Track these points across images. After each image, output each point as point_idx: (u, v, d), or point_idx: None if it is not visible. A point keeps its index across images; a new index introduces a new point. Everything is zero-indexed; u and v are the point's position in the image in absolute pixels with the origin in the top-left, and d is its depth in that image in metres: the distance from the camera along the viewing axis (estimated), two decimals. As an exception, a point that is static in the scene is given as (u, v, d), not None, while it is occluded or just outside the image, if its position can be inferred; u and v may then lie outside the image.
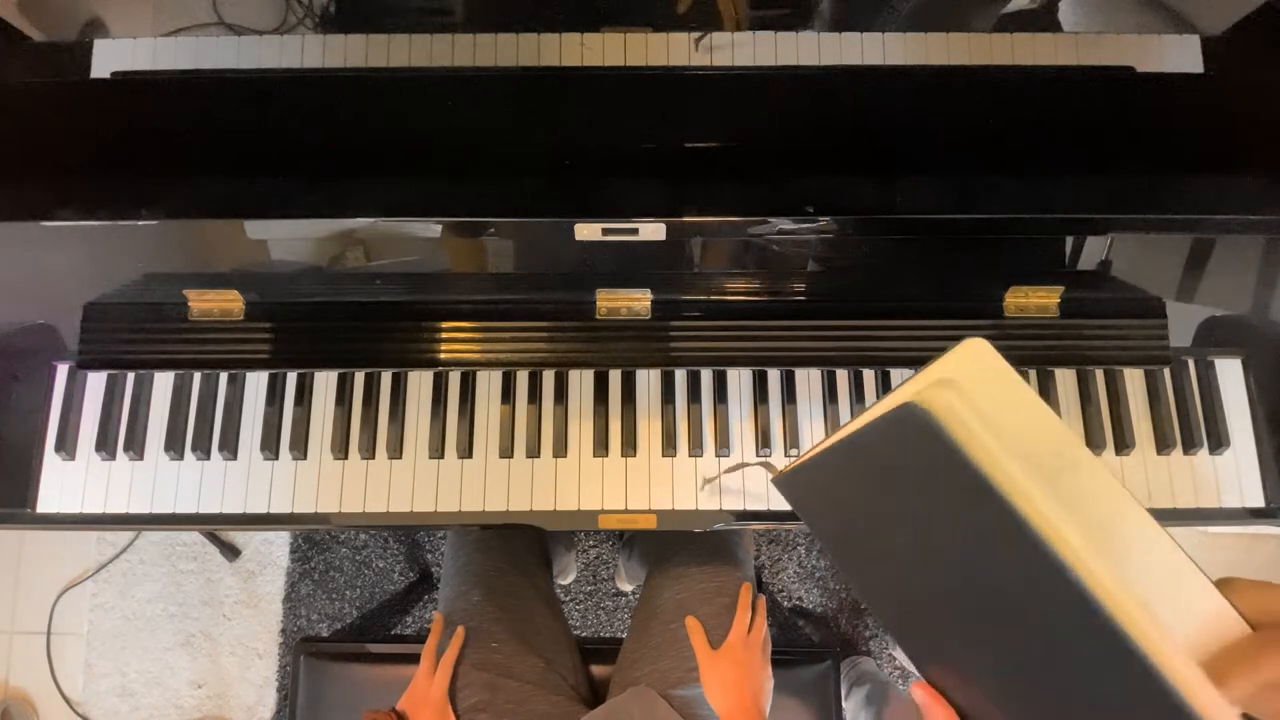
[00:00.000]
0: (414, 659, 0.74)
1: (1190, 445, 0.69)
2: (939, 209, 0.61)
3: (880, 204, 0.61)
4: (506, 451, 0.70)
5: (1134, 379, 0.71)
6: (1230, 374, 0.71)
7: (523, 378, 0.71)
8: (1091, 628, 0.34)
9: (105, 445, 0.70)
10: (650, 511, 0.69)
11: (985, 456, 0.35)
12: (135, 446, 0.70)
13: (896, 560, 0.43)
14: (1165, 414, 0.70)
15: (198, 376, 0.72)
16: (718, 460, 0.70)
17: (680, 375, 0.71)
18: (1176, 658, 0.33)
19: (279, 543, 1.44)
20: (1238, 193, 0.61)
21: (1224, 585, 0.35)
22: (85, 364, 0.70)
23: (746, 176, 0.62)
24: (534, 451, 0.70)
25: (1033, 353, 0.69)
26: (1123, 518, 0.38)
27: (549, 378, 0.71)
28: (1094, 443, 0.69)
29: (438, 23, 0.71)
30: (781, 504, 0.67)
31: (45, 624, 1.43)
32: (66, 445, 0.70)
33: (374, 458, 0.70)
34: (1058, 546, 0.34)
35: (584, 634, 1.38)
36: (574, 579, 1.39)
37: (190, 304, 0.69)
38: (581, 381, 0.72)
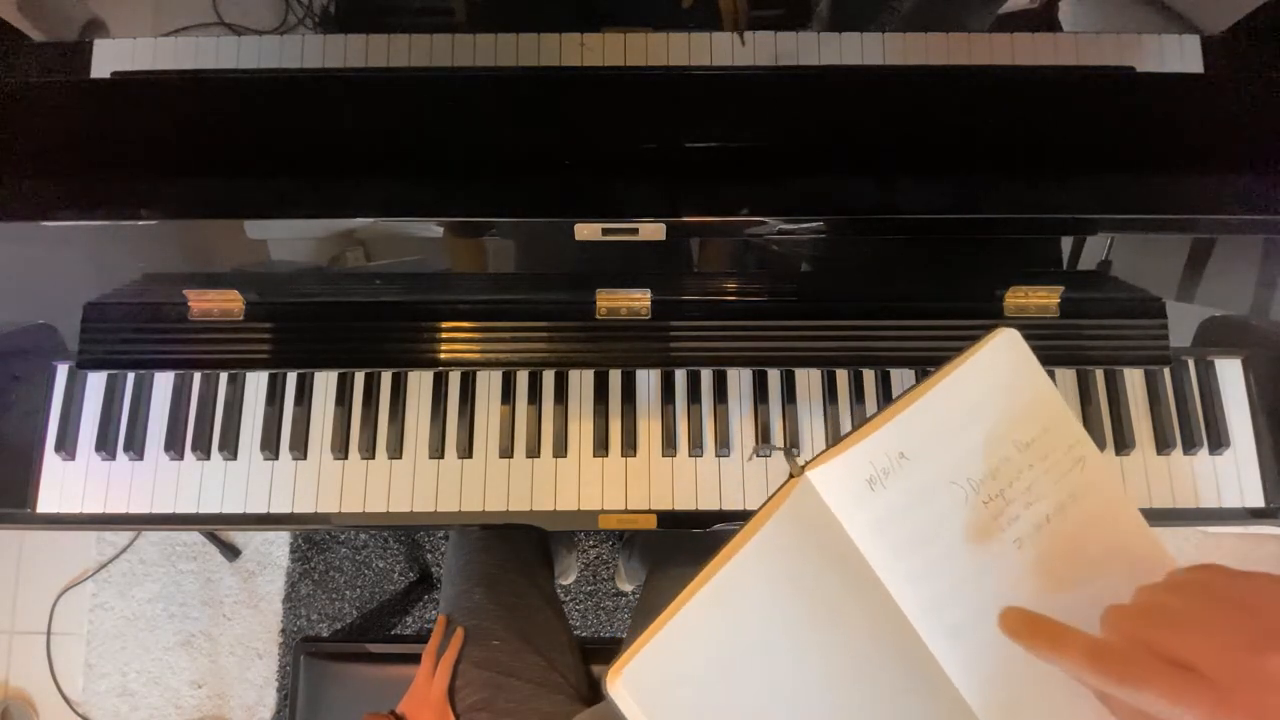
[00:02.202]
0: (414, 659, 0.74)
1: (1190, 445, 0.69)
2: (939, 209, 0.61)
3: (880, 204, 0.61)
4: (506, 451, 0.70)
5: (1134, 379, 0.71)
6: (1230, 374, 0.71)
7: (523, 378, 0.71)
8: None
9: (105, 445, 0.70)
10: (650, 511, 0.69)
11: None
12: (135, 446, 0.70)
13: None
14: (1165, 414, 0.70)
15: (198, 376, 0.72)
16: (718, 460, 0.70)
17: (680, 375, 0.71)
18: None
19: (279, 543, 1.44)
20: (1238, 193, 0.61)
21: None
22: (85, 364, 0.70)
23: (746, 176, 0.62)
24: (534, 451, 0.70)
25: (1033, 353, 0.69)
26: (1114, 510, 0.40)
27: (549, 378, 0.71)
28: (1094, 443, 0.69)
29: (438, 23, 0.71)
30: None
31: (45, 624, 1.43)
32: (66, 445, 0.70)
33: (374, 458, 0.70)
34: None
35: (584, 634, 1.38)
36: (575, 579, 1.39)
37: (190, 304, 0.69)
38: (581, 381, 0.72)
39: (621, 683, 0.38)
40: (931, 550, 0.38)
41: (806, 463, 0.38)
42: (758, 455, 0.70)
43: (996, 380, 0.40)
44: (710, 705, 0.38)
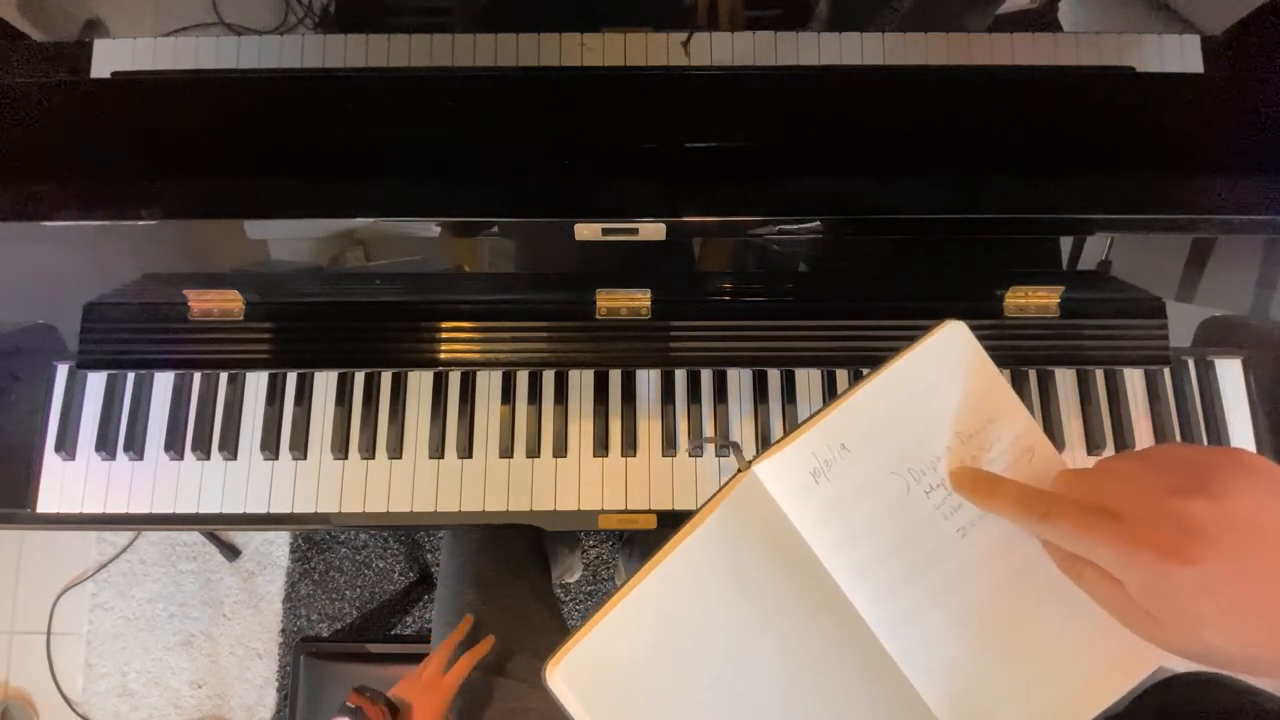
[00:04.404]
0: (414, 659, 0.74)
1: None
2: (939, 209, 0.61)
3: (880, 204, 0.61)
4: (506, 451, 0.70)
5: (1134, 379, 0.71)
6: (1230, 374, 0.71)
7: (523, 378, 0.71)
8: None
9: (105, 445, 0.70)
10: (650, 511, 0.69)
11: None
12: (135, 446, 0.70)
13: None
14: (1165, 414, 0.70)
15: (198, 376, 0.72)
16: (718, 460, 0.70)
17: (680, 375, 0.71)
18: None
19: (279, 543, 1.44)
20: (1237, 193, 0.61)
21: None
22: (85, 364, 0.70)
23: (746, 176, 0.62)
24: (534, 451, 0.70)
25: (1033, 353, 0.69)
26: None
27: (549, 378, 0.71)
28: (1094, 443, 0.69)
29: (438, 23, 0.71)
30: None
31: (45, 624, 1.43)
32: (66, 445, 0.70)
33: (374, 458, 0.70)
34: None
35: (584, 634, 1.38)
36: (579, 577, 1.39)
37: (190, 304, 0.69)
38: (581, 381, 0.72)
39: (559, 675, 0.38)
40: (877, 541, 0.39)
41: (754, 457, 0.39)
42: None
43: (940, 371, 0.40)
44: (651, 697, 0.38)
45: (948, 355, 0.40)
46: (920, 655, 0.38)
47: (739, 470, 0.39)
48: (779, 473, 0.38)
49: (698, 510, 0.39)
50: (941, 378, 0.40)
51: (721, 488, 0.39)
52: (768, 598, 0.39)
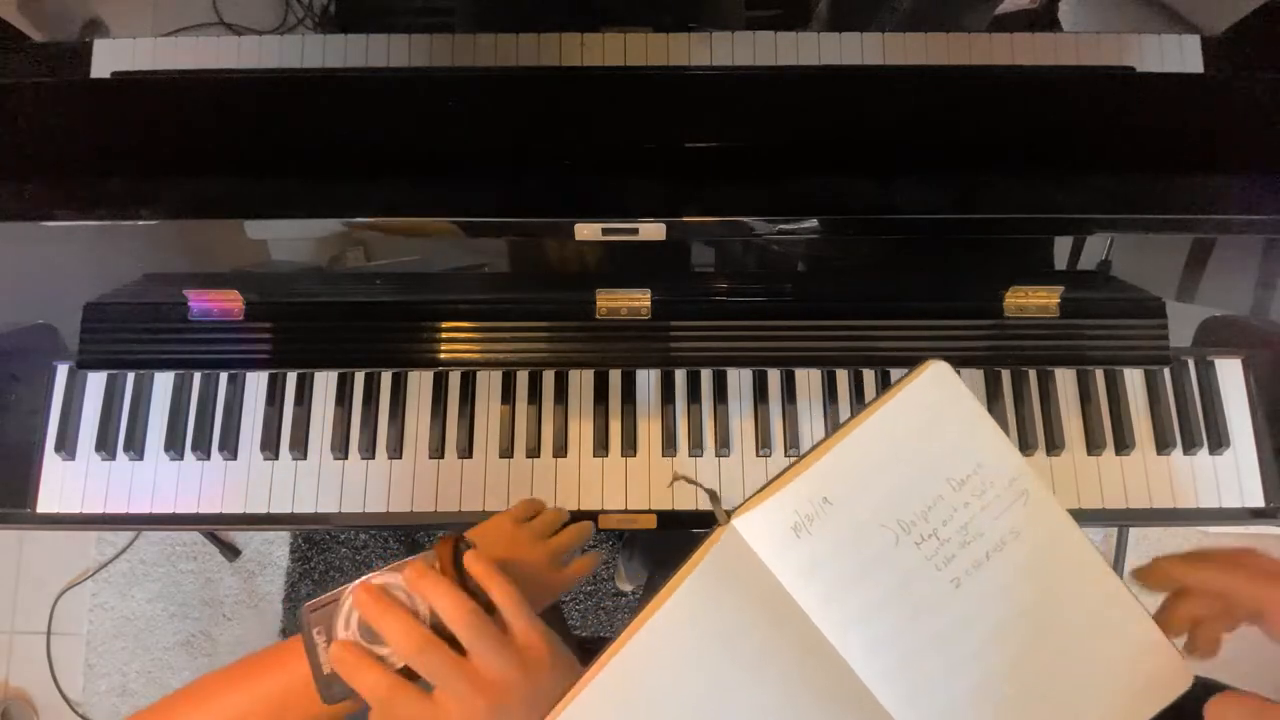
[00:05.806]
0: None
1: (1190, 445, 0.69)
2: (939, 209, 0.61)
3: (880, 204, 0.61)
4: (506, 451, 0.70)
5: (1134, 379, 0.71)
6: (1230, 374, 0.71)
7: (523, 378, 0.71)
8: None
9: (105, 445, 0.70)
10: (650, 511, 0.69)
11: None
12: (135, 446, 0.70)
13: None
14: (1165, 414, 0.70)
15: (198, 376, 0.72)
16: (718, 460, 0.70)
17: (680, 375, 0.71)
18: None
19: (279, 543, 1.44)
20: (1237, 193, 0.61)
21: (1152, 569, 0.38)
22: (85, 364, 0.70)
23: (746, 176, 0.62)
24: (534, 451, 0.70)
25: (1033, 353, 0.69)
26: (1063, 545, 0.39)
27: (549, 378, 0.71)
28: (1094, 443, 0.69)
29: (438, 23, 0.71)
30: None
31: (45, 624, 1.43)
32: (66, 445, 0.70)
33: (374, 458, 0.70)
34: None
35: (584, 634, 1.38)
36: (576, 578, 1.39)
37: (190, 304, 0.69)
38: (581, 381, 0.71)
39: None
40: (865, 594, 0.37)
41: (733, 510, 0.37)
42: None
43: (924, 416, 0.39)
44: None
45: (932, 398, 0.39)
46: (916, 707, 0.37)
47: (718, 524, 0.38)
48: (759, 527, 0.37)
49: (680, 566, 0.38)
50: (927, 422, 0.39)
51: (702, 543, 0.38)
52: (754, 655, 0.37)
